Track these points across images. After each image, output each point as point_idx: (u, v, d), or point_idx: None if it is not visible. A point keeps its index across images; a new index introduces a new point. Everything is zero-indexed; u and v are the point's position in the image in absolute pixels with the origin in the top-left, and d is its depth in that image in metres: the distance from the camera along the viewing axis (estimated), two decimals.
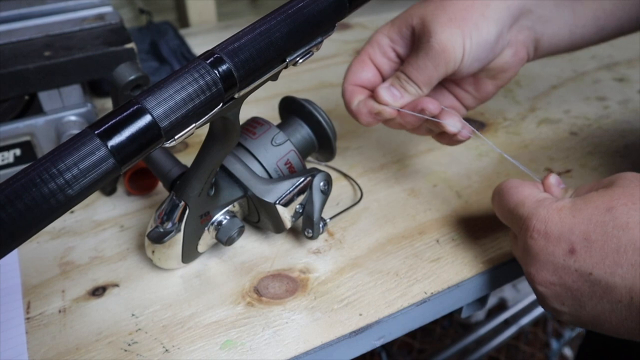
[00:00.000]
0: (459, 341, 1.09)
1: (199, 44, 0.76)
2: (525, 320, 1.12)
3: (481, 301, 0.44)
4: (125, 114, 0.25)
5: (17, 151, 0.49)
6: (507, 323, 1.13)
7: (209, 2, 0.86)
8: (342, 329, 0.36)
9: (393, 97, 0.41)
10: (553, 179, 0.37)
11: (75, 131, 0.48)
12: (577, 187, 0.36)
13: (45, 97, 0.48)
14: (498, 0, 0.40)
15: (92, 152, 0.24)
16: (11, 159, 0.49)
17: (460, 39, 0.39)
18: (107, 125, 0.25)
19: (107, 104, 0.63)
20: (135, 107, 0.26)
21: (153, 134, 0.26)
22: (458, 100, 0.46)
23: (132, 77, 0.39)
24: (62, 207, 0.24)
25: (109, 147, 0.25)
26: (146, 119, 0.26)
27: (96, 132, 0.25)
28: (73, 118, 0.49)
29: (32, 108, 0.50)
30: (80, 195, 0.25)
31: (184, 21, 0.88)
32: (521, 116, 0.60)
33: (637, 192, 0.31)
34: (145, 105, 0.26)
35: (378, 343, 0.38)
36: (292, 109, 0.43)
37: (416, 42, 0.41)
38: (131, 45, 0.49)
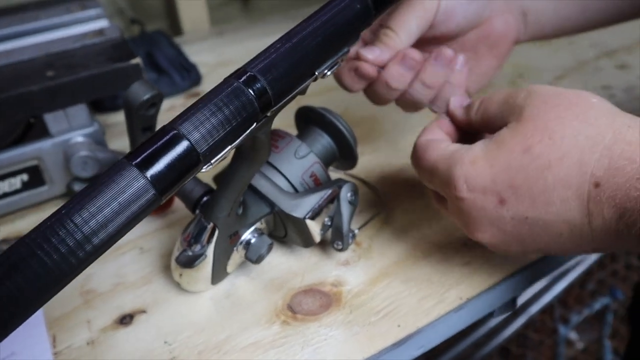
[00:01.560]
0: (469, 334, 1.09)
1: (195, 52, 0.74)
2: (535, 308, 1.12)
3: (512, 302, 0.43)
4: (161, 141, 0.24)
5: (25, 176, 0.47)
6: (515, 313, 1.13)
7: (201, 8, 0.85)
8: (382, 341, 0.35)
9: (373, 53, 0.40)
10: (452, 103, 0.37)
11: (84, 152, 0.47)
12: (481, 99, 0.36)
13: (51, 119, 0.47)
14: None
15: (130, 184, 0.23)
16: (18, 185, 0.47)
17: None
18: (144, 155, 0.24)
19: (109, 120, 0.62)
20: (171, 133, 0.25)
21: (192, 160, 0.25)
22: None
23: (146, 97, 0.37)
24: (103, 245, 0.23)
25: (148, 178, 0.23)
26: (184, 145, 0.24)
27: (133, 162, 0.24)
28: (80, 139, 0.48)
29: (34, 129, 0.48)
30: (121, 232, 0.24)
31: (176, 29, 0.86)
32: None
33: (550, 123, 0.30)
34: (182, 130, 0.25)
35: (418, 353, 0.37)
36: (311, 118, 0.42)
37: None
38: (137, 60, 0.47)
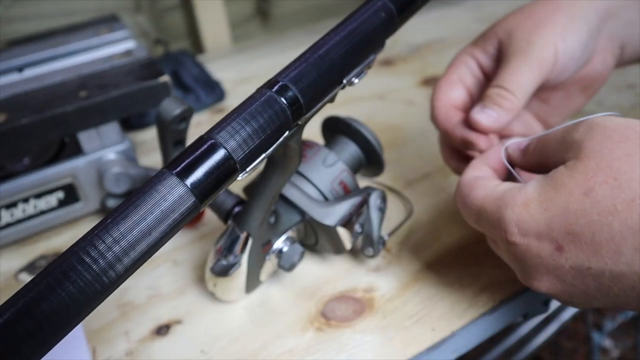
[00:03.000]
0: (501, 342, 1.07)
1: (218, 69, 0.76)
2: (566, 315, 1.10)
3: (545, 304, 0.43)
4: (200, 150, 0.25)
5: (60, 194, 0.49)
6: (547, 320, 1.11)
7: (223, 26, 0.86)
8: (417, 346, 0.35)
9: (489, 118, 0.37)
10: (511, 146, 0.34)
11: (117, 169, 0.48)
12: (537, 139, 0.33)
13: (85, 137, 0.48)
14: (584, 1, 0.38)
15: (171, 191, 0.24)
16: (54, 203, 0.49)
17: (552, 39, 0.37)
18: (184, 164, 0.25)
19: (137, 137, 0.63)
20: (209, 142, 0.25)
21: (229, 168, 0.25)
22: (540, 118, 0.44)
23: (178, 112, 0.38)
24: (146, 253, 0.24)
25: (188, 186, 0.24)
26: (221, 153, 0.25)
27: (174, 171, 0.24)
28: (112, 156, 0.49)
29: (68, 148, 0.50)
30: (164, 238, 0.25)
31: (198, 47, 0.88)
32: None
33: (615, 162, 0.27)
34: (219, 139, 0.25)
35: (452, 357, 0.37)
36: (337, 128, 0.42)
37: (504, 55, 0.39)
38: (165, 78, 0.49)
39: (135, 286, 0.43)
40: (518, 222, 0.29)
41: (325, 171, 0.39)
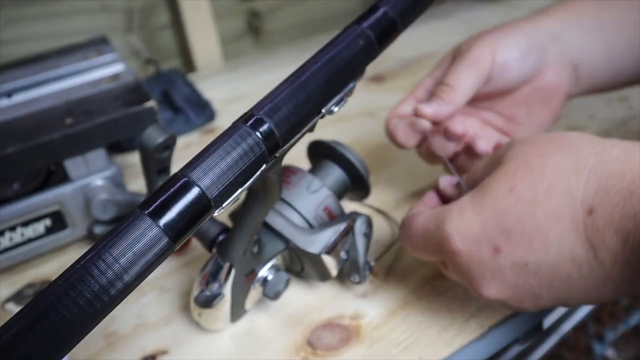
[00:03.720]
0: (499, 357, 1.07)
1: (210, 87, 0.76)
2: (567, 326, 1.09)
3: (538, 327, 0.42)
4: (172, 189, 0.25)
5: (48, 221, 0.48)
6: (547, 332, 1.10)
7: (214, 44, 0.87)
8: None
9: (430, 108, 0.40)
10: (442, 182, 0.37)
11: (104, 195, 0.48)
12: (467, 173, 0.36)
13: (71, 165, 0.48)
14: (526, 23, 0.43)
15: (144, 233, 0.24)
16: (42, 230, 0.48)
17: (489, 42, 0.41)
18: (156, 204, 0.24)
19: (127, 160, 0.63)
20: (182, 181, 0.25)
21: (203, 206, 0.25)
22: (509, 135, 0.46)
23: (160, 140, 0.38)
24: (120, 294, 0.24)
25: (161, 226, 0.24)
26: (195, 192, 0.25)
27: (146, 212, 0.24)
28: (100, 182, 0.49)
29: (55, 175, 0.50)
30: (137, 280, 0.24)
31: (190, 65, 0.88)
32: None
33: (531, 160, 0.29)
34: (192, 177, 0.25)
35: None
36: (322, 152, 0.42)
37: (451, 64, 0.43)
38: (151, 103, 0.48)
39: (122, 315, 0.42)
40: (457, 229, 0.30)
41: (309, 198, 0.39)
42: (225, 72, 0.84)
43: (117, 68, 0.57)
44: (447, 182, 0.37)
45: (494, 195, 0.29)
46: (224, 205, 0.26)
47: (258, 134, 0.27)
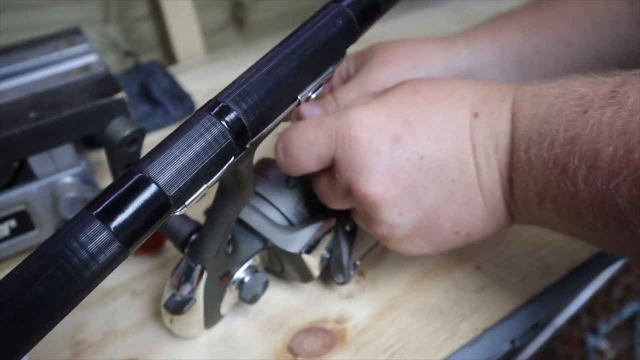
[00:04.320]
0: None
1: (190, 80, 0.72)
2: (560, 320, 1.07)
3: (534, 327, 0.40)
4: (126, 186, 0.22)
5: (12, 223, 0.45)
6: (541, 326, 1.09)
7: (195, 35, 0.83)
8: None
9: (312, 112, 0.37)
10: (305, 110, 0.36)
11: (72, 194, 0.45)
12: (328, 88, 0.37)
13: (36, 162, 0.45)
14: (439, 58, 0.39)
15: (91, 237, 0.21)
16: (6, 232, 0.45)
17: (384, 77, 0.38)
18: (106, 203, 0.22)
19: (102, 156, 0.60)
20: (136, 176, 0.22)
21: (161, 205, 0.22)
22: None
23: (126, 134, 0.35)
24: (66, 309, 0.21)
25: (111, 229, 0.21)
26: (151, 190, 0.22)
27: (95, 212, 0.21)
28: (68, 180, 0.46)
29: (22, 173, 0.47)
30: (84, 291, 0.21)
31: (171, 57, 0.85)
32: None
33: (433, 81, 0.32)
34: (149, 173, 0.22)
35: None
36: None
37: (351, 74, 0.41)
38: (121, 95, 0.45)
39: (90, 321, 0.39)
40: (361, 117, 0.30)
41: (288, 193, 0.36)
42: (207, 64, 0.81)
43: (89, 59, 0.54)
44: (308, 109, 0.36)
45: (400, 93, 0.31)
46: (186, 203, 0.24)
47: (224, 123, 0.24)
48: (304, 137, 0.32)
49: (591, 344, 1.18)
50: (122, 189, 0.22)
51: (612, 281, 1.27)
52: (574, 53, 0.39)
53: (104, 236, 0.21)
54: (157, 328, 0.38)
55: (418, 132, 0.30)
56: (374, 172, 0.30)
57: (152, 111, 0.66)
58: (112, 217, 0.21)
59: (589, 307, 1.22)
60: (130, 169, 0.23)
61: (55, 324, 0.21)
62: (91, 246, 0.21)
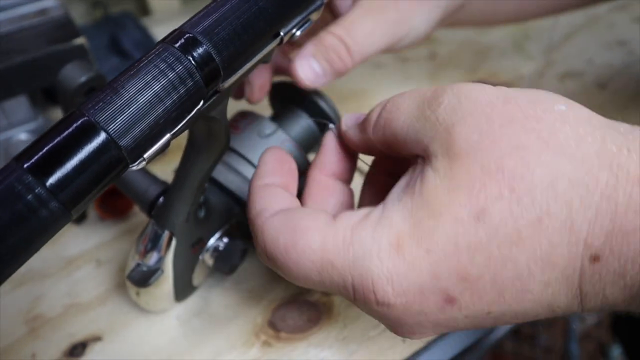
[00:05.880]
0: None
1: (164, 33, 0.66)
2: None
3: None
4: (66, 133, 0.18)
5: None
6: None
7: None
8: None
9: (313, 73, 0.31)
10: (346, 121, 0.26)
11: None
12: (381, 104, 0.24)
13: None
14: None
15: (19, 196, 0.17)
16: None
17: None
18: (41, 154, 0.17)
19: None
20: (80, 121, 0.18)
21: (112, 158, 0.18)
22: None
23: (83, 79, 0.31)
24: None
25: (47, 186, 0.17)
26: (99, 138, 0.18)
27: (26, 165, 0.17)
28: (23, 136, 0.41)
29: None
30: (17, 264, 0.17)
31: (144, 9, 0.79)
32: (538, 73, 0.53)
33: (505, 160, 0.18)
34: (96, 117, 0.18)
35: None
36: (287, 96, 0.35)
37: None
38: (81, 40, 0.40)
39: (49, 294, 0.35)
40: (391, 277, 0.19)
41: (262, 143, 0.32)
42: (182, 16, 0.74)
43: (46, 3, 0.48)
44: (352, 120, 0.26)
45: (451, 221, 0.19)
46: (144, 156, 0.19)
47: (190, 58, 0.20)
48: (296, 277, 0.22)
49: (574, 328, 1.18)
50: (62, 137, 0.18)
51: None
52: None
53: (36, 195, 0.17)
54: (123, 301, 0.34)
55: (483, 290, 0.19)
56: (417, 328, 0.21)
57: (122, 63, 0.60)
58: (48, 172, 0.17)
59: None
60: (72, 111, 0.18)
61: None
62: (19, 208, 0.16)
